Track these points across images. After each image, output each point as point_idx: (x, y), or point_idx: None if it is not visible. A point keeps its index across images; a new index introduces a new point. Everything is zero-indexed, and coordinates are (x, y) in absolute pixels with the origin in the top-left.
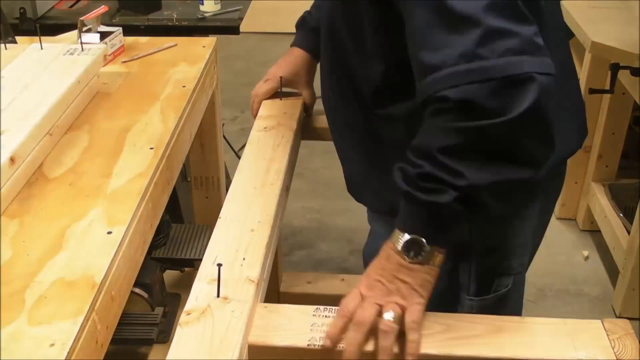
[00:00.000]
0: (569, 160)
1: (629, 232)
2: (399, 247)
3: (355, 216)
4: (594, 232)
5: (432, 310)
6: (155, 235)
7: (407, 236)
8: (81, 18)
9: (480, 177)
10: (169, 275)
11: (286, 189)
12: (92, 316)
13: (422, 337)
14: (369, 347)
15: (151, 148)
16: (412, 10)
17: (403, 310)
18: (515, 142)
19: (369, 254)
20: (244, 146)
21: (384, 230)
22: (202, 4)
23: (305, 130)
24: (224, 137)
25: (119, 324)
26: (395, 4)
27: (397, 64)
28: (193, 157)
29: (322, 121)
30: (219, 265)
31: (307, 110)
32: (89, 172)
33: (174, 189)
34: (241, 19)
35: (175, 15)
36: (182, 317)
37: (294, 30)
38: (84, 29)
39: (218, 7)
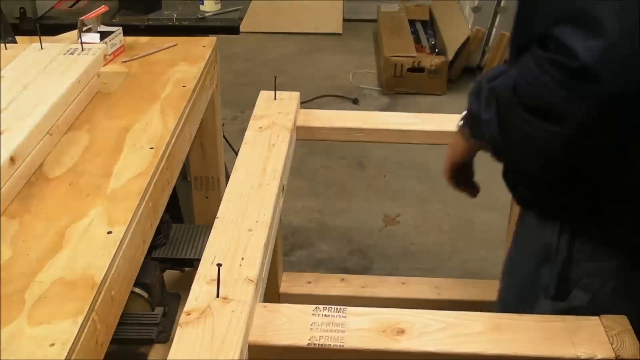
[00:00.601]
0: None
1: None
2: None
3: (355, 216)
4: None
5: (513, 305)
6: (155, 235)
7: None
8: (81, 18)
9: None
10: (169, 275)
11: (282, 188)
12: (92, 316)
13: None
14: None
15: (151, 148)
16: None
17: None
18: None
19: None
20: None
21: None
22: (202, 3)
23: (301, 129)
24: (224, 137)
25: (119, 324)
26: None
27: None
28: (193, 157)
29: (318, 120)
30: (219, 265)
31: None
32: (89, 172)
33: (174, 189)
34: (241, 19)
35: (175, 15)
36: (182, 318)
37: (294, 30)
38: (84, 28)
39: (218, 7)
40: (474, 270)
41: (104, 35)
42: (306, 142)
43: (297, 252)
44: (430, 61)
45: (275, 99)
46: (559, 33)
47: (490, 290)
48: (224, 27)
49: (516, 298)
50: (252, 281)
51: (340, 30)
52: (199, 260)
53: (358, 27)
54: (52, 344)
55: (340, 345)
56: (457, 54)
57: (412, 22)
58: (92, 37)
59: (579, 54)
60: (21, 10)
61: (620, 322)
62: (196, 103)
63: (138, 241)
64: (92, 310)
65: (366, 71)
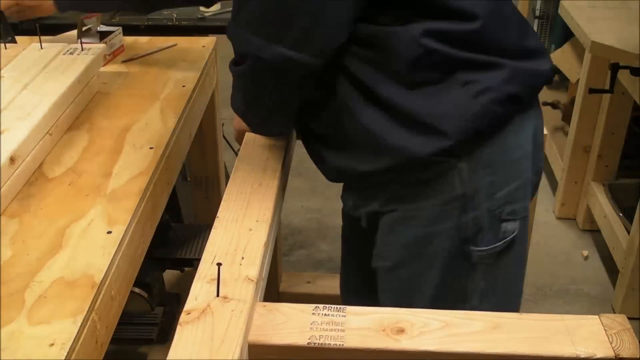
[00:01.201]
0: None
1: (628, 232)
2: None
3: None
4: (593, 231)
5: (444, 274)
6: (155, 235)
7: None
8: (81, 18)
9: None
10: (169, 275)
11: (283, 187)
12: (92, 316)
13: None
14: (370, 344)
15: (151, 148)
16: None
17: None
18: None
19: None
20: None
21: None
22: None
23: None
24: (224, 137)
25: (119, 323)
26: None
27: None
28: (193, 157)
29: None
30: (219, 264)
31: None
32: (89, 171)
33: (174, 189)
34: None
35: (175, 15)
36: (182, 317)
37: None
38: (84, 28)
39: (218, 7)
40: None
41: (103, 35)
42: None
43: (297, 252)
44: None
45: None
46: None
47: None
48: (223, 27)
49: (447, 267)
50: (252, 280)
51: None
52: (198, 260)
53: None
54: (52, 344)
55: (340, 345)
56: None
57: None
58: (92, 37)
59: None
60: None
61: (619, 321)
62: (196, 103)
63: (138, 241)
64: (92, 310)
65: None
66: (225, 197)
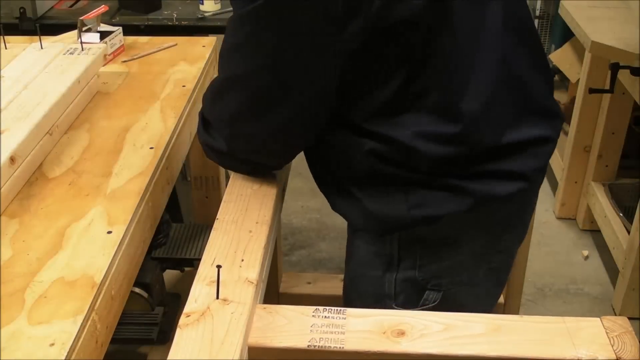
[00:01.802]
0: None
1: (629, 232)
2: None
3: None
4: (594, 231)
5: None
6: (155, 235)
7: None
8: (81, 18)
9: None
10: (169, 275)
11: (283, 189)
12: (92, 316)
13: None
14: (370, 347)
15: (151, 148)
16: None
17: None
18: None
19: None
20: None
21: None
22: (202, 3)
23: None
24: None
25: (119, 323)
26: None
27: None
28: (193, 157)
29: None
30: (219, 266)
31: None
32: (89, 171)
33: (174, 189)
34: None
35: (175, 15)
36: (182, 319)
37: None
38: (84, 28)
39: (218, 6)
40: None
41: (104, 35)
42: None
43: (297, 252)
44: None
45: None
46: None
47: None
48: (223, 27)
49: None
50: (252, 283)
51: None
52: (198, 260)
53: None
54: (52, 344)
55: (340, 347)
56: None
57: None
58: (92, 37)
59: None
60: (21, 10)
61: (621, 324)
62: (196, 103)
63: (138, 241)
64: (92, 310)
65: None
66: (225, 198)
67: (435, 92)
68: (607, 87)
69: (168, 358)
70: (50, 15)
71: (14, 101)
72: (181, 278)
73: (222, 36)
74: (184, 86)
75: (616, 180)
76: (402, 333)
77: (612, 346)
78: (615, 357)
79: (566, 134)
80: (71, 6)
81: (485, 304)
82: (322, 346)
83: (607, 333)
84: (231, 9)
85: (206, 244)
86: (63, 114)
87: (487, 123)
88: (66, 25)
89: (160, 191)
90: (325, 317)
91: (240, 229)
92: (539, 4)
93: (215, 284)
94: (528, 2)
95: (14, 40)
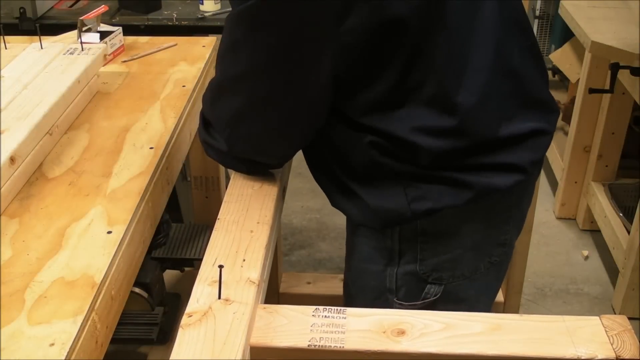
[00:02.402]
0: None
1: (629, 232)
2: None
3: None
4: (594, 231)
5: (366, 306)
6: (155, 235)
7: None
8: (81, 18)
9: None
10: (169, 275)
11: (283, 189)
12: (92, 316)
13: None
14: (370, 346)
15: (151, 148)
16: None
17: None
18: None
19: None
20: None
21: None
22: (202, 3)
23: None
24: None
25: (119, 323)
26: None
27: None
28: (193, 157)
29: None
30: (220, 267)
31: None
32: (89, 171)
33: (174, 188)
34: None
35: (175, 15)
36: (184, 319)
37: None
38: (84, 28)
39: (218, 6)
40: None
41: (103, 35)
42: None
43: (297, 252)
44: None
45: None
46: None
47: None
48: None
49: (370, 303)
50: (254, 283)
51: None
52: (198, 260)
53: None
54: (52, 344)
55: (340, 347)
56: None
57: None
58: (92, 37)
59: None
60: (21, 10)
61: (620, 322)
62: (196, 103)
63: (138, 241)
64: (92, 310)
65: None
66: (226, 198)
67: (431, 86)
68: (607, 87)
69: (170, 358)
70: (50, 15)
71: (14, 101)
72: (181, 278)
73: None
74: (184, 86)
75: (616, 180)
76: (402, 332)
77: (612, 345)
78: (614, 356)
79: (566, 134)
80: (71, 6)
81: (485, 298)
82: (322, 345)
83: (606, 332)
84: (230, 9)
85: (206, 244)
86: (63, 114)
87: (483, 116)
88: (66, 25)
89: (160, 191)
90: (325, 316)
91: (242, 229)
92: (539, 4)
93: (217, 284)
94: (528, 2)
95: (14, 40)
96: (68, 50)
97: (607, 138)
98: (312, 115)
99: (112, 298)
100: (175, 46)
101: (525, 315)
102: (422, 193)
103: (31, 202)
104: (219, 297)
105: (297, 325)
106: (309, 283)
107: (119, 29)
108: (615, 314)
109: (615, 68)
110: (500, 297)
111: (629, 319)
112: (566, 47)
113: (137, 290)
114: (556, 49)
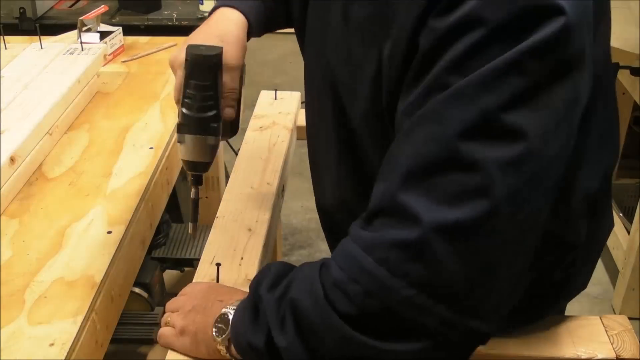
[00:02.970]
0: None
1: (629, 232)
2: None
3: None
4: None
5: None
6: (155, 235)
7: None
8: (81, 18)
9: None
10: (169, 275)
11: (282, 188)
12: (92, 316)
13: None
14: None
15: (151, 148)
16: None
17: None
18: None
19: None
20: None
21: None
22: (202, 3)
23: (301, 129)
24: None
25: (119, 323)
26: None
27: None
28: None
29: None
30: (218, 264)
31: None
32: (89, 171)
33: (174, 189)
34: None
35: (175, 15)
36: None
37: (294, 29)
38: (84, 28)
39: None
40: None
41: (103, 35)
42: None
43: (297, 252)
44: None
45: (275, 98)
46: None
47: None
48: None
49: None
50: None
51: None
52: (198, 260)
53: None
54: (52, 344)
55: None
56: None
57: None
58: (92, 37)
59: None
60: (21, 10)
61: (620, 322)
62: None
63: (138, 241)
64: (92, 310)
65: None
66: (225, 197)
67: None
68: None
69: (167, 358)
70: (50, 15)
71: (14, 101)
72: (181, 278)
73: None
74: None
75: (616, 180)
76: None
77: (612, 344)
78: (615, 356)
79: None
80: (71, 6)
81: None
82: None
83: (606, 331)
84: None
85: (206, 244)
86: (63, 114)
87: None
88: (66, 25)
89: (160, 191)
90: None
91: (240, 227)
92: None
93: (215, 282)
94: None
95: (14, 40)
96: (68, 50)
97: None
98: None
99: (112, 298)
100: (175, 46)
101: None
102: None
103: (31, 202)
104: None
105: None
106: None
107: (118, 29)
108: (615, 314)
109: (615, 68)
110: None
111: (629, 319)
112: None
113: (137, 290)
114: None
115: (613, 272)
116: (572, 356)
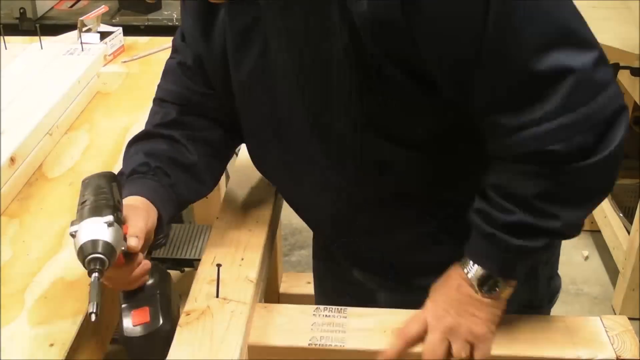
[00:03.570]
0: None
1: (629, 232)
2: (473, 280)
3: None
4: (594, 232)
5: None
6: (155, 235)
7: (482, 270)
8: (81, 18)
9: (575, 215)
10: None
11: None
12: (92, 316)
13: None
14: (371, 346)
15: None
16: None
17: (472, 346)
18: (612, 172)
19: None
20: None
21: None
22: None
23: None
24: None
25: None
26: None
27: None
28: None
29: None
30: (219, 265)
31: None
32: (89, 171)
33: None
34: None
35: (175, 15)
36: (182, 318)
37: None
38: (84, 29)
39: None
40: None
41: (104, 35)
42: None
43: (297, 252)
44: None
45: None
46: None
47: None
48: None
49: None
50: (252, 281)
51: None
52: (198, 260)
53: None
54: (52, 344)
55: (341, 346)
56: None
57: None
58: (92, 37)
59: None
60: (21, 10)
61: (621, 322)
62: None
63: None
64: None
65: None
66: (225, 197)
67: None
68: None
69: (168, 357)
70: (50, 16)
71: (14, 101)
72: (181, 278)
73: None
74: None
75: (616, 180)
76: None
77: (612, 345)
78: (615, 356)
79: None
80: (71, 6)
81: None
82: (323, 344)
83: (606, 332)
84: None
85: (206, 244)
86: (63, 114)
87: None
88: (66, 25)
89: None
90: (326, 315)
91: (240, 228)
92: None
93: (215, 282)
94: None
95: (14, 40)
96: (68, 51)
97: None
98: None
99: (112, 298)
100: None
101: (525, 315)
102: None
103: (31, 202)
104: (217, 296)
105: (297, 324)
106: (309, 283)
107: (119, 29)
108: (615, 314)
109: (615, 68)
110: None
111: (629, 319)
112: None
113: None
114: None
115: (613, 272)
116: (572, 357)
